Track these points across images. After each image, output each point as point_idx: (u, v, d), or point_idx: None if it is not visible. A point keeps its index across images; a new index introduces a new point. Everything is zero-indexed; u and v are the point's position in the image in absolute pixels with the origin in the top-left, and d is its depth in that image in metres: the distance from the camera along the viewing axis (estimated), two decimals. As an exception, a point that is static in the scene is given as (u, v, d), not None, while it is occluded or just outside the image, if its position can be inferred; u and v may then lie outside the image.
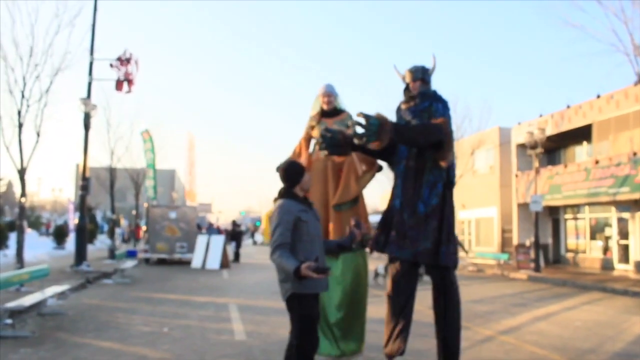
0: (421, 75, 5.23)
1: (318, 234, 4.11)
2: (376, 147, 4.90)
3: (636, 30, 15.95)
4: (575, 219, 23.77)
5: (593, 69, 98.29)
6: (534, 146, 20.83)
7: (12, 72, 14.91)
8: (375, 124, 4.65)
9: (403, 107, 5.31)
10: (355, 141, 4.89)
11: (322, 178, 5.45)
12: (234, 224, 26.82)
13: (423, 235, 4.97)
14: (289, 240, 3.87)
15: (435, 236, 4.98)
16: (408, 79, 5.30)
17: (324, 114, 5.69)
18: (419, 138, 4.94)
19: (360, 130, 4.71)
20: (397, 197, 5.20)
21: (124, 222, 45.46)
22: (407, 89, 5.36)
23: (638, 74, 14.44)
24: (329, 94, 5.65)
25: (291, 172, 4.14)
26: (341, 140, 5.18)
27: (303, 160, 5.64)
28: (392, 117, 5.14)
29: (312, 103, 5.92)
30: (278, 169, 4.28)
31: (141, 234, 33.91)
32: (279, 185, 4.20)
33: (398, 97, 5.62)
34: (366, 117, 4.69)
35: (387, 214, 5.28)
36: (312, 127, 5.69)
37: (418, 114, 5.12)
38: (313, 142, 5.78)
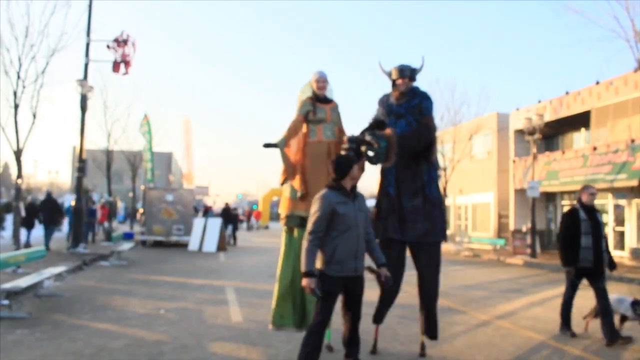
0: (409, 74, 5.63)
1: (357, 224, 4.33)
2: (387, 165, 5.25)
3: (637, 16, 15.85)
4: (572, 205, 23.77)
5: (593, 55, 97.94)
6: (532, 132, 20.79)
7: (8, 52, 14.80)
8: (385, 146, 5.05)
9: (395, 102, 5.66)
10: (368, 163, 5.18)
11: (323, 161, 5.42)
12: (227, 206, 26.52)
13: (422, 217, 5.44)
14: (323, 229, 4.23)
15: (438, 216, 5.51)
16: (395, 76, 5.67)
17: (317, 100, 5.70)
18: (416, 145, 5.43)
19: (371, 153, 5.03)
20: (390, 186, 5.58)
21: (120, 205, 45.42)
22: (394, 85, 5.73)
23: (638, 60, 14.33)
24: (324, 79, 5.73)
25: (341, 164, 4.42)
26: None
27: (298, 140, 5.61)
28: (375, 106, 5.80)
29: (302, 88, 5.92)
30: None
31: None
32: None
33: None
34: (377, 140, 5.01)
35: (382, 202, 5.64)
36: (309, 112, 5.62)
37: (410, 110, 5.57)
38: (314, 127, 5.68)
